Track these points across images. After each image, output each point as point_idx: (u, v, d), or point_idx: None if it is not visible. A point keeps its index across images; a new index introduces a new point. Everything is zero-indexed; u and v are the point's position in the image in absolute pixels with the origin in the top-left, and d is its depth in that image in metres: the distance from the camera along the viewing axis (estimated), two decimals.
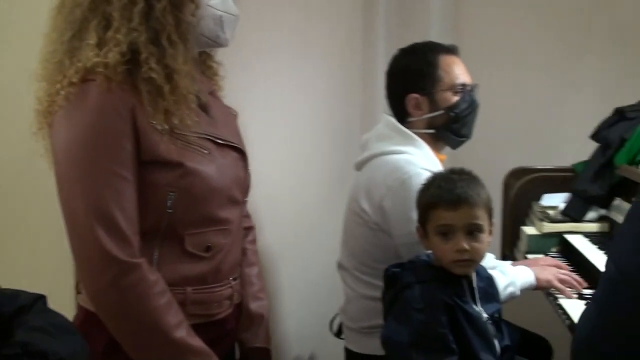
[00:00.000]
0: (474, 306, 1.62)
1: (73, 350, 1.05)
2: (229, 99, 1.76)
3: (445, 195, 1.58)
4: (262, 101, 2.41)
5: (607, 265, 1.12)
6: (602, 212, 2.33)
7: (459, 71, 1.98)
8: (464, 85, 1.98)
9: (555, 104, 2.85)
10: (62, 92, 1.34)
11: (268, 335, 1.71)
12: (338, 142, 2.83)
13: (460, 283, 1.61)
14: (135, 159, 1.36)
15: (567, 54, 2.82)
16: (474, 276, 1.65)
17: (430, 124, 1.98)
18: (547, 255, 2.26)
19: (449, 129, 1.98)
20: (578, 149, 2.55)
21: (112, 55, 1.33)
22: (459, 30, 2.85)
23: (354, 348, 2.00)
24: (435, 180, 1.64)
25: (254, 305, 1.67)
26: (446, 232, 1.58)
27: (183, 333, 1.38)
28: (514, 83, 2.83)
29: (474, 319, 1.58)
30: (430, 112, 1.96)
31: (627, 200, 2.21)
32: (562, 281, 1.92)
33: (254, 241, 1.77)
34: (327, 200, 2.79)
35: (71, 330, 1.11)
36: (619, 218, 2.24)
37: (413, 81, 1.97)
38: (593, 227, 2.31)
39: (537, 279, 1.92)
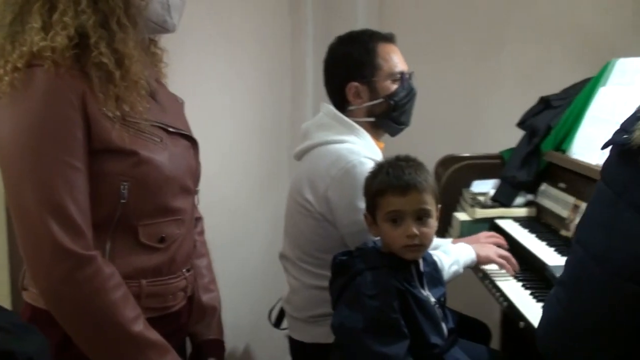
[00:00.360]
0: (422, 291, 1.65)
1: (39, 348, 1.01)
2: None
3: (394, 181, 1.60)
4: (190, 94, 2.37)
5: (574, 250, 1.14)
6: (530, 197, 2.42)
7: (397, 59, 2.00)
8: (402, 73, 2.00)
9: (478, 93, 2.95)
10: (6, 78, 1.26)
11: (220, 327, 1.69)
12: (269, 132, 2.83)
13: (409, 268, 1.64)
14: (86, 148, 1.30)
15: (488, 46, 2.93)
16: (420, 261, 1.68)
17: (370, 112, 1.99)
18: None
19: (388, 117, 2.00)
20: (503, 137, 2.64)
21: (60, 39, 1.27)
22: (385, 21, 2.90)
23: (299, 337, 2.00)
24: (383, 168, 1.66)
25: (205, 297, 1.64)
26: (396, 218, 1.60)
27: (141, 327, 1.34)
28: (440, 74, 2.90)
29: (423, 303, 1.61)
30: (370, 100, 1.98)
31: (553, 185, 2.31)
32: (501, 257, 1.99)
33: (202, 232, 1.73)
34: (260, 191, 2.78)
35: (33, 329, 1.06)
36: (546, 202, 2.33)
37: (353, 69, 1.97)
38: (522, 211, 2.40)
39: (478, 256, 1.98)
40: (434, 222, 1.64)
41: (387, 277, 1.58)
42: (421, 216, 1.61)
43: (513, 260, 2.00)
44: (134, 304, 1.36)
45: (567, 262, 1.17)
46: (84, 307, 1.30)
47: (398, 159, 1.68)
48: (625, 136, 1.03)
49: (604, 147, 1.09)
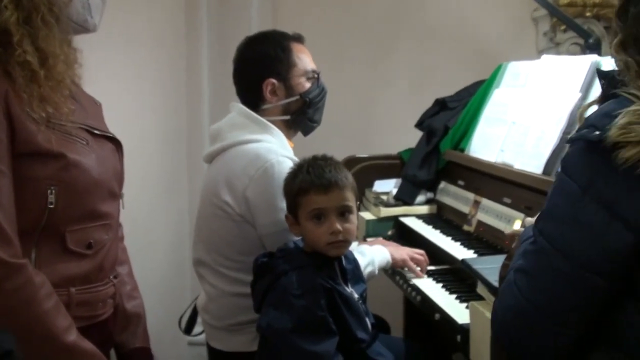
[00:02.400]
0: (346, 287, 1.68)
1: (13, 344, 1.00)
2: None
3: (315, 180, 1.63)
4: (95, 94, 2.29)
5: (537, 242, 1.16)
6: (430, 195, 2.52)
7: (308, 58, 2.03)
8: (315, 71, 2.03)
9: (372, 96, 3.05)
10: None
11: (147, 335, 1.64)
12: (168, 136, 2.77)
13: (332, 266, 1.66)
14: (10, 151, 1.23)
15: (380, 50, 3.02)
16: (343, 259, 1.71)
17: (285, 110, 2.00)
18: (384, 237, 2.40)
19: (304, 114, 2.02)
20: (399, 138, 2.74)
21: None
22: (279, 24, 2.92)
23: (219, 346, 1.95)
24: (303, 167, 1.67)
25: (129, 305, 1.60)
26: (319, 216, 1.62)
27: (74, 336, 1.28)
28: (335, 77, 2.93)
29: (348, 299, 1.64)
30: (286, 97, 1.98)
31: (453, 183, 2.42)
32: (414, 260, 2.06)
33: (122, 238, 1.67)
34: (161, 196, 2.71)
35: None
36: (446, 199, 2.44)
37: (270, 66, 1.97)
38: (424, 209, 2.49)
39: (393, 258, 2.03)
40: (355, 218, 1.67)
41: (312, 275, 1.59)
42: (343, 212, 1.64)
43: (425, 263, 2.08)
44: (66, 313, 1.29)
45: (527, 252, 1.18)
46: (14, 318, 1.22)
47: (316, 158, 1.70)
48: (596, 132, 1.05)
49: (570, 141, 1.12)
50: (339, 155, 2.70)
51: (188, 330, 2.21)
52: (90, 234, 1.37)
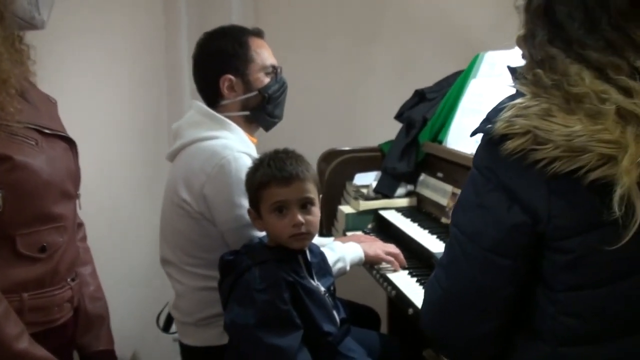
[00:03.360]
0: (312, 281, 1.67)
1: None
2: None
3: (276, 173, 1.62)
4: (61, 92, 2.26)
5: (451, 234, 1.20)
6: (410, 187, 2.50)
7: (267, 53, 2.01)
8: (274, 66, 2.02)
9: (355, 87, 3.03)
10: None
11: (110, 337, 1.63)
12: (147, 129, 2.76)
13: (296, 260, 1.65)
14: None
15: (361, 41, 3.00)
16: (307, 253, 1.70)
17: (244, 106, 1.98)
18: (364, 231, 2.39)
19: (263, 110, 2.00)
20: (381, 130, 2.71)
21: None
22: (261, 15, 2.92)
23: (190, 342, 1.94)
24: (264, 161, 1.67)
25: (92, 307, 1.58)
26: (281, 208, 1.62)
27: (25, 344, 1.26)
28: (316, 68, 2.95)
29: (313, 293, 1.63)
30: (244, 93, 1.97)
31: (432, 175, 2.39)
32: (391, 254, 2.04)
33: (85, 238, 1.66)
34: (140, 194, 2.70)
35: None
36: (425, 192, 2.41)
37: (227, 62, 1.95)
38: (404, 202, 2.47)
39: (366, 254, 2.02)
40: (317, 211, 1.67)
41: (275, 270, 1.58)
42: (305, 204, 1.63)
43: (401, 256, 2.05)
44: (17, 320, 1.28)
45: (445, 246, 1.23)
46: None
47: (277, 152, 1.70)
48: (489, 126, 1.09)
49: (472, 134, 1.17)
50: (320, 148, 2.72)
51: (166, 328, 2.20)
52: (43, 237, 1.35)
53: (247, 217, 1.73)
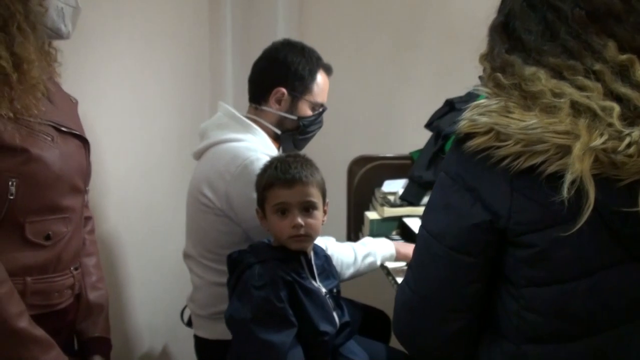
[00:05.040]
0: (313, 282, 1.72)
1: None
2: (71, 87, 1.74)
3: (280, 175, 1.69)
4: (106, 90, 2.37)
5: (419, 235, 1.24)
6: None
7: (325, 91, 2.12)
8: (322, 106, 2.11)
9: (392, 95, 3.05)
10: None
11: (107, 325, 1.71)
12: (187, 129, 2.84)
13: (298, 260, 1.71)
14: None
15: (401, 48, 3.02)
16: (312, 255, 1.75)
17: (279, 123, 2.08)
18: (388, 237, 2.41)
19: (292, 136, 2.10)
20: (415, 138, 2.72)
21: None
22: (304, 21, 2.98)
23: (204, 334, 2.03)
24: (272, 164, 1.74)
25: (92, 296, 1.67)
26: (283, 210, 1.68)
27: (25, 323, 1.36)
28: (355, 75, 2.99)
29: (312, 293, 1.68)
30: (286, 112, 2.06)
31: None
32: None
33: (92, 231, 1.76)
34: (174, 191, 2.78)
35: None
36: None
37: (289, 78, 2.04)
38: None
39: (398, 252, 2.08)
40: (319, 214, 1.71)
41: (274, 268, 1.64)
42: (307, 208, 1.68)
43: None
44: (19, 300, 1.37)
45: (414, 248, 1.26)
46: None
47: (287, 156, 1.77)
48: (455, 126, 1.14)
49: (444, 138, 1.19)
50: (354, 152, 2.75)
51: (190, 322, 2.28)
52: (49, 226, 1.45)
53: None
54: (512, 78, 1.11)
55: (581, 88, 1.05)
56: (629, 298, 1.08)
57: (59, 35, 1.54)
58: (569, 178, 1.00)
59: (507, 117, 1.06)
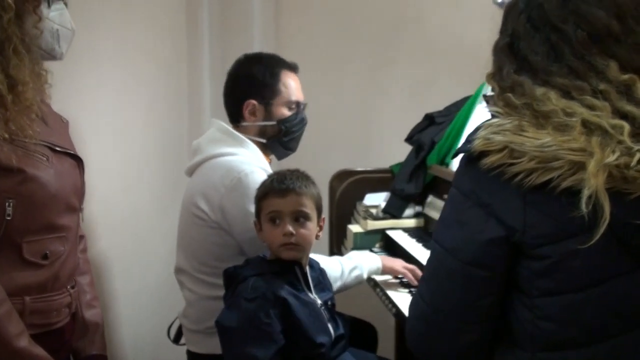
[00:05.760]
0: (309, 294, 1.75)
1: None
2: (56, 107, 1.74)
3: (275, 185, 1.74)
4: (89, 109, 2.38)
5: (432, 249, 1.27)
6: (418, 208, 2.56)
7: (296, 89, 2.13)
8: (298, 102, 2.13)
9: (371, 109, 3.11)
10: None
11: (104, 343, 1.71)
12: (168, 147, 2.86)
13: (294, 273, 1.74)
14: None
15: (379, 64, 3.09)
16: (307, 268, 1.79)
17: (261, 133, 2.10)
18: (371, 250, 2.46)
19: (278, 141, 2.11)
20: (394, 151, 2.78)
21: None
22: (281, 37, 3.02)
23: (198, 349, 2.03)
24: (271, 177, 1.80)
25: (88, 314, 1.67)
26: (275, 218, 1.72)
27: (25, 342, 1.36)
28: (334, 90, 3.04)
29: (308, 305, 1.71)
30: (264, 120, 2.08)
31: (439, 197, 2.45)
32: (406, 268, 2.13)
33: (85, 250, 1.76)
34: (160, 206, 2.80)
35: None
36: (432, 213, 2.47)
37: (254, 89, 2.08)
38: (411, 222, 2.53)
39: (384, 265, 2.12)
40: (312, 226, 1.75)
41: (268, 282, 1.67)
42: (298, 217, 1.72)
43: (418, 272, 2.11)
44: (18, 320, 1.37)
45: (427, 261, 1.29)
46: None
47: (287, 170, 1.81)
48: (468, 145, 1.17)
49: (454, 156, 1.24)
50: (334, 167, 2.79)
51: (177, 339, 2.29)
52: (46, 245, 1.45)
53: None
54: (523, 98, 1.15)
55: (591, 107, 1.10)
56: (639, 305, 1.13)
57: (52, 56, 1.55)
58: (585, 193, 1.04)
59: (521, 135, 1.10)
